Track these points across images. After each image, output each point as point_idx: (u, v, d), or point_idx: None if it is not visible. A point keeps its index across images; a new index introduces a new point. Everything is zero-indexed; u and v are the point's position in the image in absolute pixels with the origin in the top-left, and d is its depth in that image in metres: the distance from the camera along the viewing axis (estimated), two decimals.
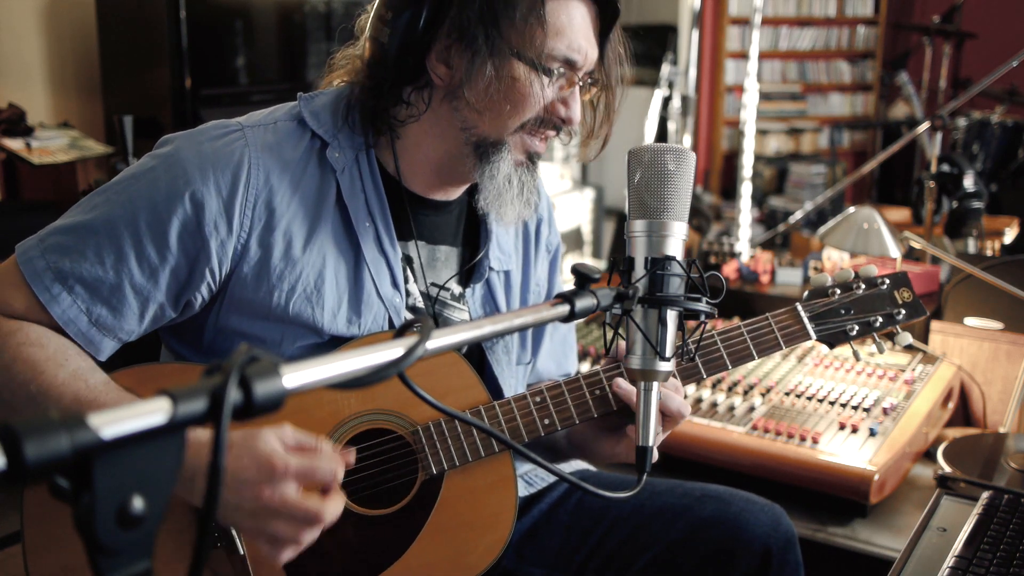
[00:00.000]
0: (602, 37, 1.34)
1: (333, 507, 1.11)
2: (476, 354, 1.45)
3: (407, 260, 1.40)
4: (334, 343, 1.32)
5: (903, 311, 1.43)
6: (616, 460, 1.42)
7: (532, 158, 1.35)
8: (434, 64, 1.29)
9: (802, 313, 1.41)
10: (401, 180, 1.37)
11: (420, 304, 1.41)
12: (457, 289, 1.45)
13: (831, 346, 1.43)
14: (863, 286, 1.43)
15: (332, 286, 1.31)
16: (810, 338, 1.40)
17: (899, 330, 1.43)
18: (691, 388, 2.15)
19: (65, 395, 1.16)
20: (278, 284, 1.28)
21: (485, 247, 1.46)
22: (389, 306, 1.35)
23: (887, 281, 1.44)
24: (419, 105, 1.32)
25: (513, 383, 1.50)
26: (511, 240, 1.53)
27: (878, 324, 1.42)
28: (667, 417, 1.32)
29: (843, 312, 1.42)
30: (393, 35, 1.27)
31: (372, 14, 1.31)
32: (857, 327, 1.41)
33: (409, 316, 1.38)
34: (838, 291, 1.42)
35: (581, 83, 1.32)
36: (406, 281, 1.39)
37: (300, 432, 1.13)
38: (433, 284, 1.43)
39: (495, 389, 1.45)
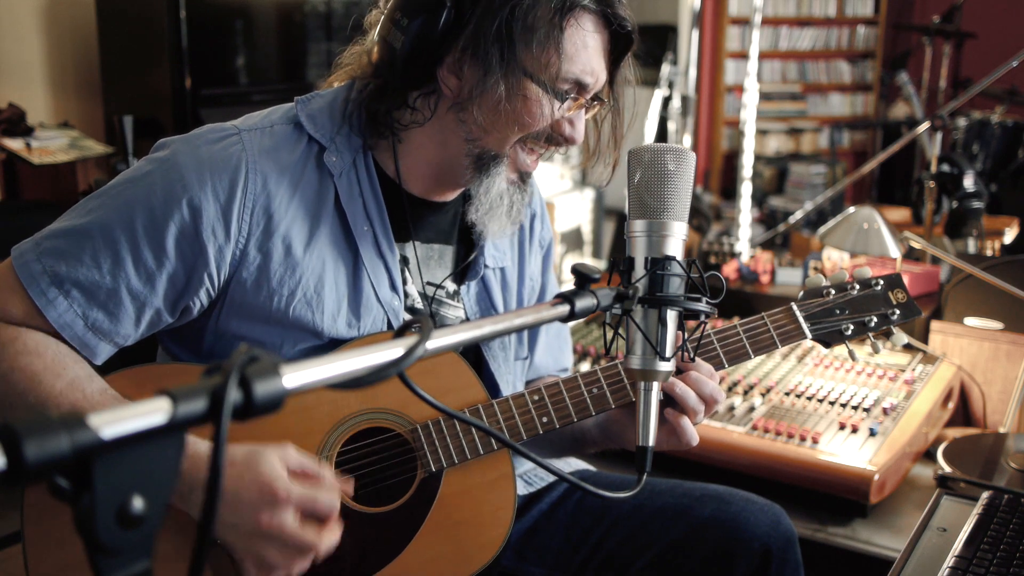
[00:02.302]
0: (614, 63, 1.33)
1: (328, 539, 1.12)
2: (473, 351, 1.45)
3: (404, 261, 1.40)
4: (334, 345, 1.32)
5: (898, 311, 1.44)
6: (657, 449, 1.36)
7: (523, 178, 1.36)
8: (445, 75, 1.28)
9: (797, 312, 1.41)
10: (401, 182, 1.37)
11: (418, 304, 1.41)
12: (452, 287, 1.46)
13: (827, 345, 1.43)
14: (857, 287, 1.44)
15: (332, 290, 1.31)
16: (806, 337, 1.40)
17: (895, 330, 1.44)
18: None
19: (62, 406, 1.16)
20: (278, 289, 1.28)
21: (479, 245, 1.47)
22: (388, 309, 1.35)
23: (881, 282, 1.45)
24: (424, 111, 1.31)
25: (510, 379, 1.50)
26: (506, 237, 1.53)
27: (873, 324, 1.43)
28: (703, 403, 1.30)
29: (838, 312, 1.42)
30: (405, 40, 1.26)
31: (385, 15, 1.30)
32: (852, 327, 1.42)
33: (407, 317, 1.38)
34: (833, 292, 1.43)
35: (588, 105, 1.32)
36: (404, 283, 1.39)
37: (304, 455, 1.14)
38: (429, 283, 1.43)
39: (492, 386, 1.45)
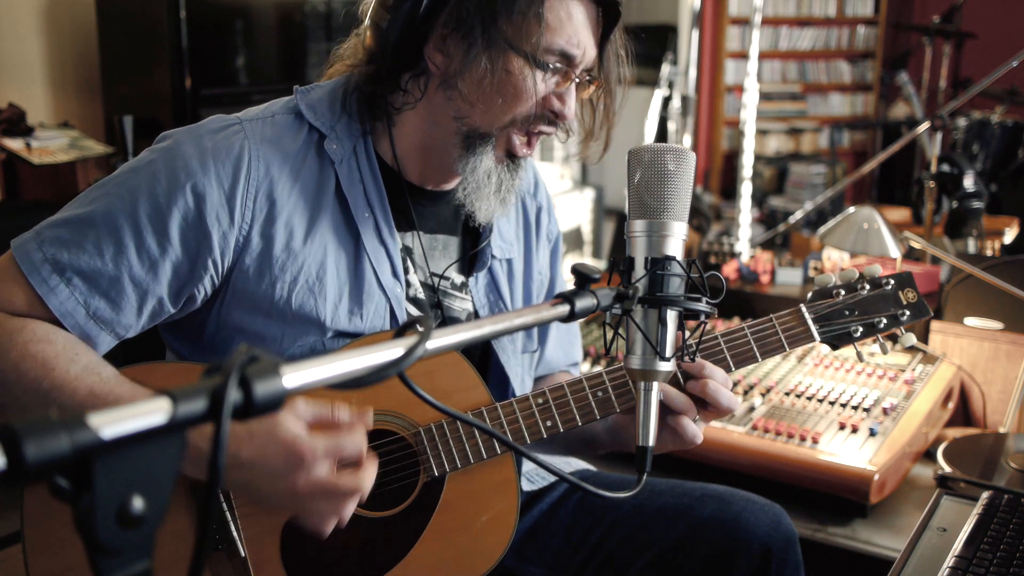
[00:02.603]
0: (603, 38, 1.34)
1: (367, 477, 1.12)
2: (481, 343, 1.45)
3: (406, 251, 1.40)
4: (335, 341, 1.32)
5: (907, 312, 1.42)
6: (661, 449, 1.33)
7: (513, 158, 1.35)
8: (431, 52, 1.29)
9: (806, 315, 1.40)
10: (400, 170, 1.37)
11: (421, 294, 1.41)
12: (459, 279, 1.46)
13: (835, 348, 1.41)
14: (867, 286, 1.41)
15: (333, 277, 1.31)
16: (814, 340, 1.39)
17: (903, 331, 1.42)
18: None
19: (79, 389, 1.15)
20: (280, 276, 1.28)
21: (487, 235, 1.47)
22: (391, 296, 1.35)
23: (892, 281, 1.42)
24: (415, 92, 1.33)
25: (519, 371, 1.50)
26: (512, 228, 1.54)
27: (882, 325, 1.40)
28: (713, 409, 1.30)
29: (847, 313, 1.40)
30: (393, 21, 1.28)
31: (375, 0, 1.32)
32: (861, 328, 1.40)
33: (410, 307, 1.39)
34: (842, 292, 1.41)
35: (578, 80, 1.31)
36: (406, 272, 1.39)
37: (313, 403, 1.14)
38: (434, 274, 1.43)
39: (501, 377, 1.46)
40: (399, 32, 1.28)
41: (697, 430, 1.31)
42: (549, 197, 1.64)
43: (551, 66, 1.28)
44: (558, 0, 1.26)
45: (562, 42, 1.27)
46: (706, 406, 1.30)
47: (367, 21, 1.34)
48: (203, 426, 1.14)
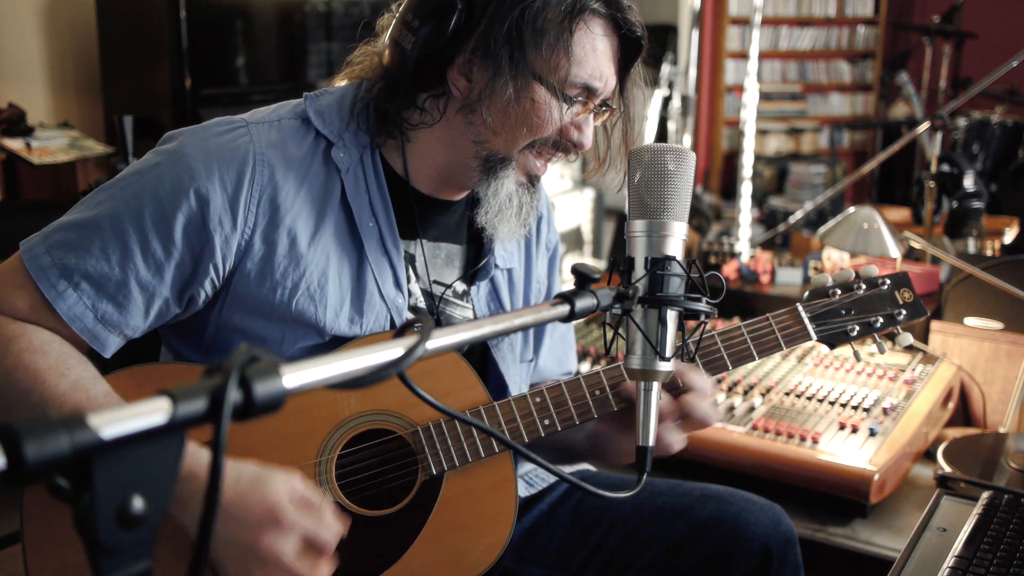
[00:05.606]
0: (624, 70, 1.34)
1: (324, 572, 1.11)
2: (480, 352, 1.46)
3: (410, 259, 1.40)
4: (335, 344, 1.32)
5: (904, 312, 1.43)
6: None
7: (532, 180, 1.36)
8: (455, 77, 1.29)
9: (803, 313, 1.41)
10: (409, 180, 1.37)
11: (421, 303, 1.41)
12: (461, 287, 1.46)
13: (832, 347, 1.42)
14: (864, 286, 1.43)
15: (335, 285, 1.31)
16: (811, 339, 1.40)
17: (900, 331, 1.43)
18: None
19: (66, 406, 1.16)
20: (281, 281, 1.28)
21: (490, 245, 1.47)
22: (391, 306, 1.35)
23: (888, 281, 1.44)
24: (433, 113, 1.32)
25: (518, 380, 1.50)
26: (516, 239, 1.53)
27: (879, 324, 1.42)
28: (689, 421, 1.32)
29: (844, 312, 1.42)
30: (417, 42, 1.27)
31: (397, 17, 1.31)
32: (858, 328, 1.41)
33: (410, 315, 1.38)
34: (839, 291, 1.42)
35: (596, 111, 1.32)
36: (408, 281, 1.39)
37: (308, 487, 1.13)
38: (437, 282, 1.43)
39: (501, 386, 1.46)
40: (421, 53, 1.27)
41: (675, 439, 1.33)
42: (549, 206, 1.64)
43: (575, 99, 1.28)
44: (585, 34, 1.26)
45: (586, 75, 1.27)
46: (686, 416, 1.32)
47: (386, 38, 1.33)
48: (188, 464, 1.11)
